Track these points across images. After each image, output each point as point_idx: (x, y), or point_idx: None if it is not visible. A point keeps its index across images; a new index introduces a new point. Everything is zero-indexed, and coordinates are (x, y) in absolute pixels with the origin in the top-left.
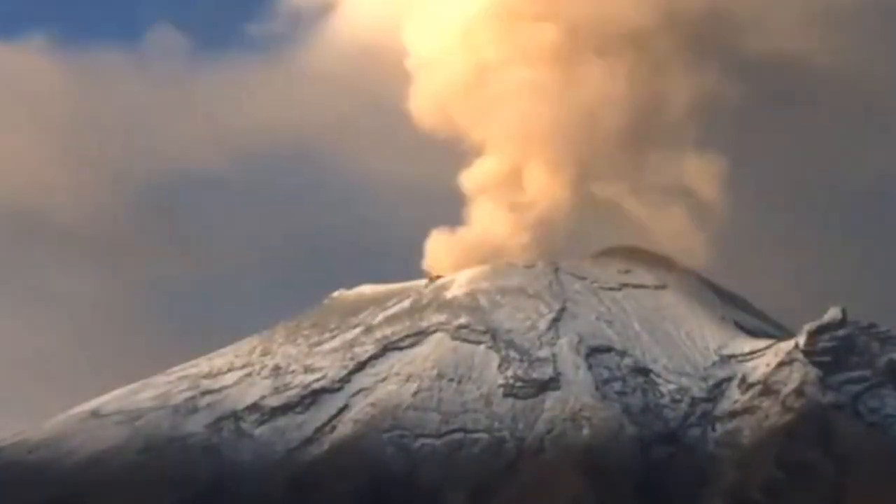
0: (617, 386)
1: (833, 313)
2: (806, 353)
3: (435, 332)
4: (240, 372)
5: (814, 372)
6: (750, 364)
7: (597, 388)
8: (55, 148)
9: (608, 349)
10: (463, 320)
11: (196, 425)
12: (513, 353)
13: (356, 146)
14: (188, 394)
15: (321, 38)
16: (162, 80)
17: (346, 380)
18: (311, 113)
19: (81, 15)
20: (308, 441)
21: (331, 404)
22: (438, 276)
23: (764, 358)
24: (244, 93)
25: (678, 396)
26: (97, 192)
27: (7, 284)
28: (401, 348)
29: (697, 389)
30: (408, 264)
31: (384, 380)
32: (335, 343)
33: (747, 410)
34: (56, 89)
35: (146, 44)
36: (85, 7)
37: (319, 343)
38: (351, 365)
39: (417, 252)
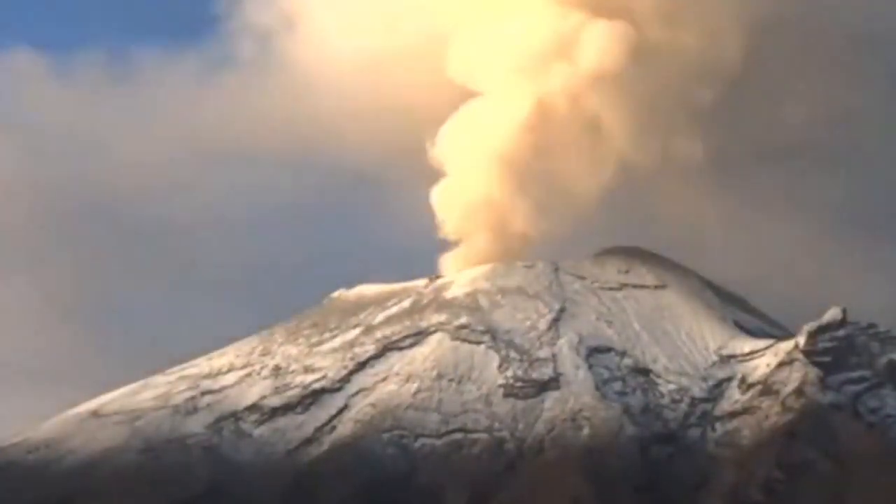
0: (617, 386)
1: (833, 313)
2: (806, 353)
3: (435, 332)
4: (240, 372)
5: (814, 372)
6: (750, 364)
7: (597, 388)
8: (52, 150)
9: (608, 349)
10: (463, 320)
11: (196, 425)
12: (513, 353)
13: (354, 146)
14: (188, 394)
15: (305, 39)
16: (144, 91)
17: (345, 380)
18: (312, 111)
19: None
20: (308, 441)
21: (331, 404)
22: (438, 276)
23: (764, 358)
24: (235, 99)
25: (678, 396)
26: (93, 193)
27: (7, 285)
28: (401, 348)
29: (697, 389)
30: (408, 264)
31: (384, 380)
32: (335, 343)
33: (747, 410)
34: (41, 100)
35: (128, 56)
36: (68, 19)
37: (319, 343)
38: (351, 365)
39: (417, 252)
